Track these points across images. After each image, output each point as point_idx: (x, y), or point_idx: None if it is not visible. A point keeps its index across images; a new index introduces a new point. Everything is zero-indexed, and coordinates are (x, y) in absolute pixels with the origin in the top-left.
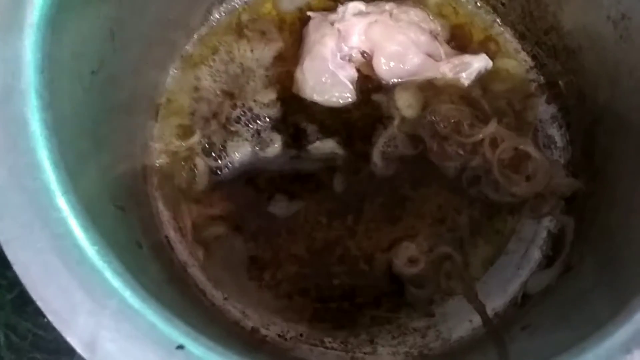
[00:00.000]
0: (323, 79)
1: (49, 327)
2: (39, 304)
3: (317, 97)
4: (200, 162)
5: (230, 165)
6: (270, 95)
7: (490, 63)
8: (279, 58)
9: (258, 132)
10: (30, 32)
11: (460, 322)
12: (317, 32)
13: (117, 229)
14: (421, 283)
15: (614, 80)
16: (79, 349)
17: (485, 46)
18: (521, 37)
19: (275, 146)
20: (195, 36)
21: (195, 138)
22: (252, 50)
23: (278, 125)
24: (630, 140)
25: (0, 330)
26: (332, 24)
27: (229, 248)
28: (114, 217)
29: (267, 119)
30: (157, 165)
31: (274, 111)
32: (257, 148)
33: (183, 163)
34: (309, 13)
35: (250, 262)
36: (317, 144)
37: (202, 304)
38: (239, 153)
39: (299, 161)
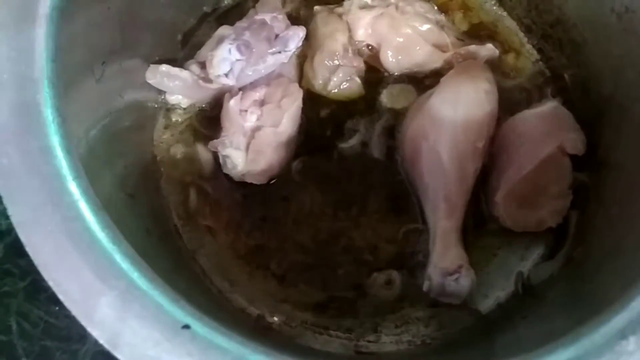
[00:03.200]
0: (332, 74)
1: (61, 315)
2: (50, 284)
3: (326, 91)
4: (204, 150)
5: None
6: None
7: (497, 52)
8: None
9: None
10: (42, 23)
11: (462, 314)
12: (327, 26)
13: (127, 215)
14: None
15: (618, 73)
16: (88, 327)
17: (492, 38)
18: (527, 30)
19: None
20: (206, 23)
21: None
22: None
23: None
24: (632, 132)
25: (13, 317)
26: (340, 16)
27: (235, 236)
28: (123, 203)
29: None
30: (165, 155)
31: None
32: None
33: (189, 151)
34: (316, 7)
35: (257, 250)
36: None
37: (210, 291)
38: None
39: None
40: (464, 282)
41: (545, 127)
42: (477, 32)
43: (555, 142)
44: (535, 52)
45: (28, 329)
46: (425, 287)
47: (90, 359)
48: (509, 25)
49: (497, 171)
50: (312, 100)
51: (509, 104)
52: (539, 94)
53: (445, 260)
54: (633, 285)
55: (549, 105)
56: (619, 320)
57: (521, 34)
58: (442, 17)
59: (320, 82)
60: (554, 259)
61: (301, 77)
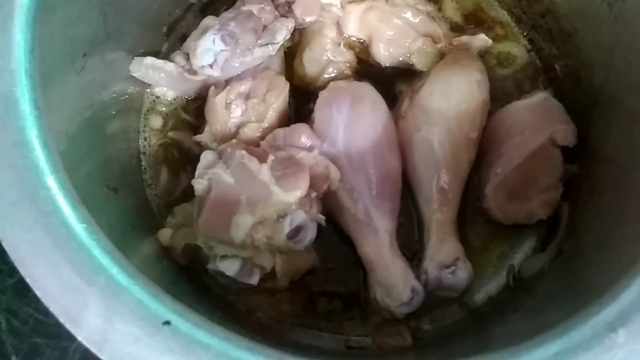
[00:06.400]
0: (323, 69)
1: (50, 312)
2: (28, 280)
3: (317, 86)
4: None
5: None
6: None
7: (489, 42)
8: None
9: None
10: (19, 13)
11: (453, 308)
12: (316, 22)
13: (109, 210)
14: None
15: (609, 62)
16: (66, 324)
17: (483, 29)
18: (517, 20)
19: None
20: (191, 14)
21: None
22: None
23: None
24: (623, 121)
25: (2, 314)
26: (328, 12)
27: None
28: (106, 197)
29: None
30: (151, 148)
31: None
32: None
33: (175, 143)
34: None
35: None
36: None
37: (198, 287)
38: None
39: None
40: (461, 274)
41: (535, 119)
42: (468, 23)
43: (546, 133)
44: (526, 42)
45: (17, 326)
46: (421, 281)
47: (80, 356)
48: (499, 15)
49: (486, 163)
50: (301, 95)
51: (499, 94)
52: (530, 85)
53: (441, 253)
54: (622, 277)
55: (540, 96)
56: (608, 312)
57: (512, 24)
58: (432, 8)
59: (311, 77)
60: (545, 251)
61: (292, 73)
